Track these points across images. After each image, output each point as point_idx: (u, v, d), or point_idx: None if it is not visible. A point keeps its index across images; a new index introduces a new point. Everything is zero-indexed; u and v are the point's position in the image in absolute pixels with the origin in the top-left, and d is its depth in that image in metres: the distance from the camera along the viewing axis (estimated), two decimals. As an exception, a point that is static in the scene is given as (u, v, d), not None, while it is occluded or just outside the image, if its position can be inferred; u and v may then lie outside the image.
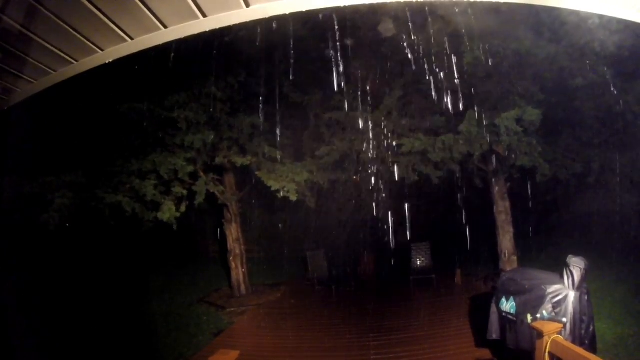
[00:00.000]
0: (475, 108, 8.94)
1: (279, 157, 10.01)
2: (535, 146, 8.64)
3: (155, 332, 8.46)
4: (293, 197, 9.44)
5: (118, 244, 12.64)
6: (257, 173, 9.79)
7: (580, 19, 6.92)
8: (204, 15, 2.31)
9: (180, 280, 12.55)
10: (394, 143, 9.68)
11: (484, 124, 8.76)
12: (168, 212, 9.16)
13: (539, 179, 9.17)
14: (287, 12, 2.28)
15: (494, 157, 10.21)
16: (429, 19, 8.41)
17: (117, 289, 10.67)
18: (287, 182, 9.46)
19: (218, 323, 9.11)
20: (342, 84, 10.14)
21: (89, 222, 10.34)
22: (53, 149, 9.51)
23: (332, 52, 9.99)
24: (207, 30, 2.41)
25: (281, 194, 9.42)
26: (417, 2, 7.47)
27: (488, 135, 8.84)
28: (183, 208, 9.58)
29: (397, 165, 10.13)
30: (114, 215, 9.30)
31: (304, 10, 2.29)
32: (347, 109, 10.03)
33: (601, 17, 2.41)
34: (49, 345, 7.53)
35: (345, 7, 2.40)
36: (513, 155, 8.93)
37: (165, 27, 2.40)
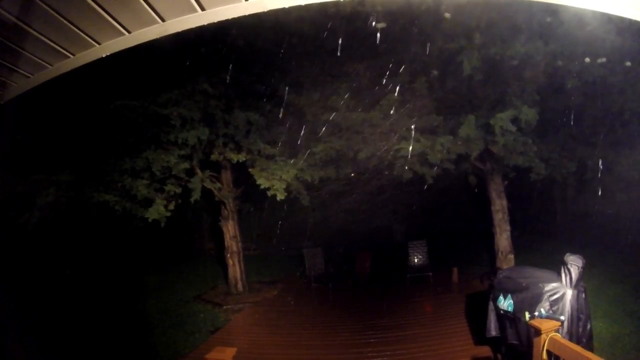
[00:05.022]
0: (474, 110, 8.95)
1: (272, 153, 9.97)
2: (530, 145, 8.66)
3: (151, 330, 8.44)
4: (280, 196, 9.35)
5: (114, 242, 12.62)
6: (250, 170, 9.76)
7: (576, 18, 6.91)
8: (202, 9, 2.29)
9: (177, 278, 12.54)
10: (395, 148, 9.64)
11: (481, 125, 8.78)
12: (155, 212, 9.08)
13: (533, 178, 9.19)
14: (286, 5, 2.27)
15: (490, 156, 10.22)
16: (429, 19, 8.40)
17: (114, 287, 10.66)
18: (275, 180, 9.42)
19: (214, 320, 9.09)
20: (339, 82, 10.13)
21: (83, 220, 10.32)
22: (46, 146, 9.46)
23: (329, 50, 9.99)
24: (205, 24, 2.40)
25: (270, 192, 9.38)
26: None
27: (485, 136, 8.86)
28: (172, 206, 9.51)
29: (394, 165, 10.12)
30: (105, 214, 9.26)
31: (302, 4, 2.27)
32: (343, 109, 10.01)
33: (597, 16, 2.39)
34: (45, 344, 7.51)
35: (344, 3, 2.39)
36: (508, 155, 8.95)
37: (163, 20, 2.38)
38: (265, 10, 2.29)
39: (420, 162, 9.75)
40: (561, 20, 7.67)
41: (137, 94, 8.95)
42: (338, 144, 10.05)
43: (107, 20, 2.35)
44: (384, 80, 9.81)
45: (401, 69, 9.60)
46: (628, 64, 8.05)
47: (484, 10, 7.81)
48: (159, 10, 2.29)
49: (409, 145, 9.21)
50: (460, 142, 8.96)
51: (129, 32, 2.48)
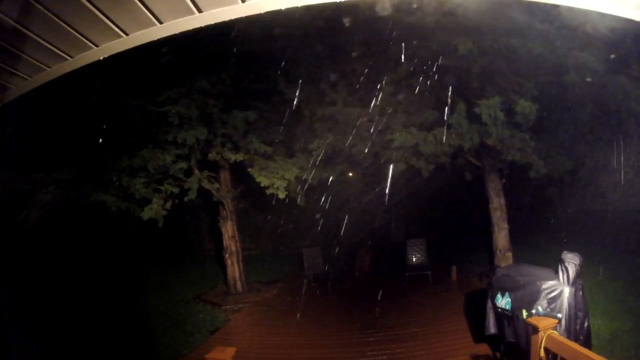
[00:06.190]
0: (469, 105, 8.96)
1: (270, 152, 9.96)
2: (528, 142, 8.67)
3: (151, 330, 8.45)
4: (281, 195, 9.33)
5: (113, 241, 12.62)
6: (249, 170, 9.76)
7: (575, 14, 6.93)
8: (199, 11, 2.30)
9: (176, 278, 12.53)
10: (387, 139, 9.66)
11: (476, 118, 8.78)
12: (151, 211, 9.08)
13: (533, 175, 9.20)
14: (283, 7, 2.28)
15: (487, 152, 10.24)
16: (423, 14, 8.41)
17: (113, 287, 10.66)
18: (276, 178, 9.43)
19: (214, 320, 9.11)
20: (336, 79, 10.16)
21: (82, 219, 10.31)
22: (45, 144, 9.46)
23: (325, 47, 9.98)
24: (203, 25, 2.41)
25: (270, 190, 9.38)
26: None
27: (478, 127, 8.86)
28: (168, 206, 9.49)
29: (390, 160, 10.14)
30: (104, 213, 9.26)
31: (299, 5, 2.28)
32: (340, 105, 10.03)
33: (596, 13, 2.41)
34: (45, 344, 7.52)
35: (339, 3, 2.40)
36: (506, 150, 8.96)
37: (161, 22, 2.39)
38: (262, 12, 2.31)
39: (416, 155, 9.77)
40: (559, 17, 7.68)
41: (136, 92, 8.95)
42: (333, 138, 10.05)
43: (105, 23, 2.36)
44: (381, 76, 9.84)
45: (398, 65, 9.62)
46: (612, 56, 8.07)
47: (480, 6, 7.82)
48: (156, 12, 2.30)
49: (402, 137, 9.22)
50: (454, 134, 8.98)
51: (126, 34, 2.49)
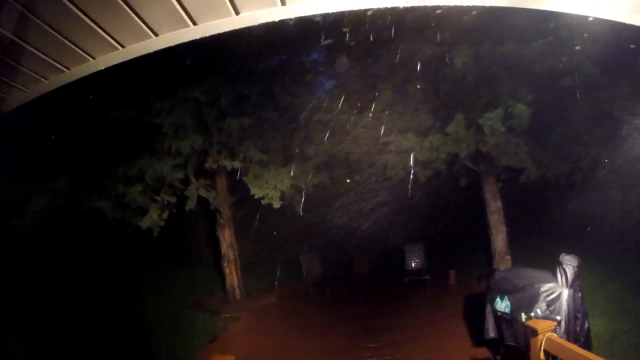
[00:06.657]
0: (466, 112, 9.00)
1: (266, 160, 9.97)
2: (522, 146, 8.71)
3: (150, 338, 8.41)
4: (276, 205, 9.40)
5: (110, 249, 12.57)
6: (243, 178, 9.77)
7: (568, 19, 6.98)
8: (194, 23, 2.33)
9: (175, 285, 12.48)
10: (381, 142, 9.70)
11: (473, 125, 8.83)
12: (149, 220, 9.08)
13: (523, 180, 9.25)
14: (276, 19, 2.31)
15: (482, 157, 10.28)
16: (420, 23, 8.47)
17: (112, 294, 10.62)
18: (270, 189, 9.44)
19: (213, 328, 9.07)
20: (332, 85, 10.19)
21: (78, 226, 10.29)
22: (42, 155, 9.45)
23: (321, 54, 10.01)
24: (198, 37, 2.44)
25: (264, 201, 9.40)
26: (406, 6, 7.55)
27: (475, 135, 8.91)
28: (165, 215, 9.50)
29: (387, 165, 10.17)
30: (101, 220, 9.26)
31: (292, 17, 2.31)
32: (336, 111, 10.05)
33: (588, 17, 2.45)
34: (44, 350, 7.50)
35: (334, 13, 2.43)
36: (500, 156, 9.00)
37: (156, 35, 2.41)
38: (257, 23, 2.33)
39: (413, 162, 9.79)
40: (553, 20, 7.73)
41: (131, 101, 8.95)
42: (330, 146, 10.07)
43: (102, 35, 2.38)
44: (377, 82, 9.87)
45: (394, 71, 9.66)
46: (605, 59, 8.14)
47: (477, 12, 7.87)
48: (152, 25, 2.33)
49: (398, 142, 9.26)
50: (450, 141, 9.02)
51: (123, 46, 2.52)
